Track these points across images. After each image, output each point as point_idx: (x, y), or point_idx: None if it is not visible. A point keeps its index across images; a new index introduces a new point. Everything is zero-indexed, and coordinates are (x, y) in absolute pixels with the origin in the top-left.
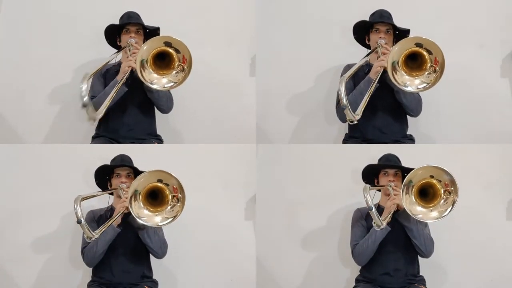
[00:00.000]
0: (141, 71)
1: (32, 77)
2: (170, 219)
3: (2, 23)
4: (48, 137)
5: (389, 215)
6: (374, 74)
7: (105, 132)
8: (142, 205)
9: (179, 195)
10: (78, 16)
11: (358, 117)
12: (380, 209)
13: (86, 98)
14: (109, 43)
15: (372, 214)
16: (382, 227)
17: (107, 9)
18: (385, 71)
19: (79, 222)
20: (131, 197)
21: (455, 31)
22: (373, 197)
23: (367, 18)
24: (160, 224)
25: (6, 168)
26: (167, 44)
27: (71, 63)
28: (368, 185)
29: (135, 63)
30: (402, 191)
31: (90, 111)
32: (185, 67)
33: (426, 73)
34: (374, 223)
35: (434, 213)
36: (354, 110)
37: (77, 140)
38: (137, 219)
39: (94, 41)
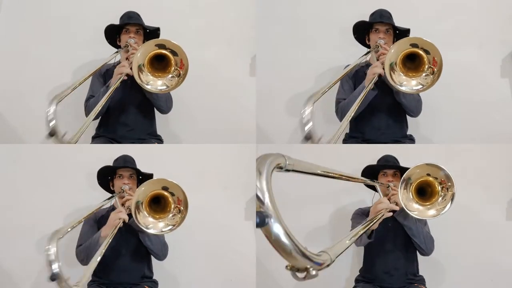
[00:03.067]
0: (139, 74)
1: (32, 77)
2: (170, 227)
3: (2, 23)
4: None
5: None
6: (368, 82)
7: (105, 132)
8: (146, 214)
9: (181, 207)
10: (78, 16)
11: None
12: None
13: (53, 123)
14: (109, 43)
15: None
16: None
17: (107, 9)
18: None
19: (52, 279)
20: (135, 207)
21: (455, 31)
22: (373, 196)
23: (367, 18)
24: (163, 230)
25: (6, 168)
26: (161, 46)
27: (71, 63)
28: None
29: (130, 67)
30: (400, 186)
31: (59, 138)
32: (181, 72)
33: (424, 74)
34: None
35: (432, 211)
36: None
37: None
38: (145, 229)
39: (94, 41)
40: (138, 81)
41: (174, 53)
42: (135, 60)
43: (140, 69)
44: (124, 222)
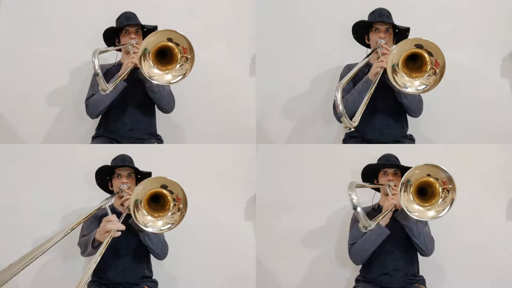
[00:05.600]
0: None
1: (32, 77)
2: (169, 226)
3: (2, 23)
4: (48, 137)
5: (386, 215)
6: (373, 76)
7: (105, 132)
8: (145, 213)
9: (181, 205)
10: (78, 16)
11: (355, 124)
12: (380, 209)
13: (100, 72)
14: (107, 44)
15: (357, 214)
16: (370, 228)
17: (106, 10)
18: (384, 72)
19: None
20: (134, 206)
21: (455, 31)
22: (373, 196)
23: (367, 18)
24: (162, 229)
25: (6, 168)
26: (169, 39)
27: (71, 63)
28: (354, 182)
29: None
30: (400, 189)
31: (102, 83)
32: (189, 57)
33: (426, 75)
34: (360, 224)
35: (431, 212)
36: (351, 113)
37: (77, 140)
38: (143, 228)
39: (94, 42)
40: (146, 75)
41: (177, 44)
42: (141, 47)
43: (144, 56)
44: (125, 219)
